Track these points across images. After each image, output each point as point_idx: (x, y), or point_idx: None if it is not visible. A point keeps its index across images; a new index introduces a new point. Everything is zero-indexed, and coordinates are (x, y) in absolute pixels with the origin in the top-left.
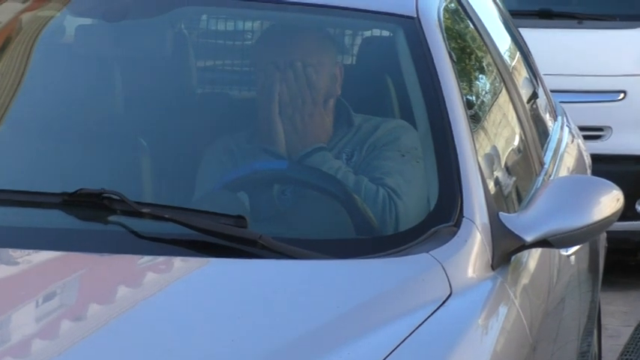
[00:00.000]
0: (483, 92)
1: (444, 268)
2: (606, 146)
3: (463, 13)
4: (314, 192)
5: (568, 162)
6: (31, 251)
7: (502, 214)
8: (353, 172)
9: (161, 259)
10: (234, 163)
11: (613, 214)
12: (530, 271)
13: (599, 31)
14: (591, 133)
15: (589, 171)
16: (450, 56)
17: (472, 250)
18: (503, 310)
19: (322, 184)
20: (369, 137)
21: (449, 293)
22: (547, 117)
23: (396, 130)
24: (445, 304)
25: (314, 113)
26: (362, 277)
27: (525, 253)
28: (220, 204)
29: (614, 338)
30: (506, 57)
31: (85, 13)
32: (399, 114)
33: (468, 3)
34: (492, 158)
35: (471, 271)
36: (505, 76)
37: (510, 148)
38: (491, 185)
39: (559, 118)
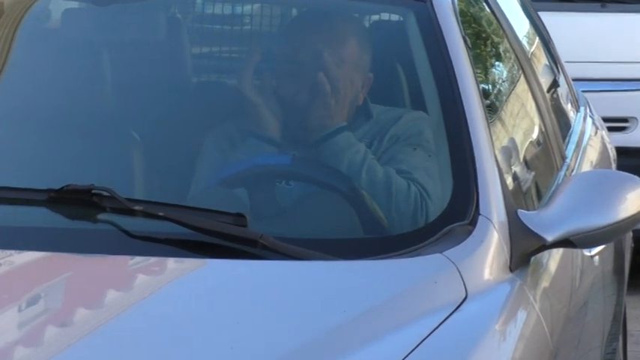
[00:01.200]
0: (500, 81)
1: (458, 270)
2: (632, 138)
3: None
4: (319, 188)
5: (591, 155)
6: (14, 252)
7: (521, 212)
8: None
9: (154, 260)
10: (235, 155)
11: None
12: (551, 273)
13: (624, 15)
14: (616, 124)
15: (614, 165)
16: (465, 42)
17: (489, 250)
18: (522, 314)
19: (328, 179)
20: (389, 128)
21: (464, 296)
22: (569, 107)
23: (418, 122)
24: (460, 308)
25: (333, 100)
26: (370, 280)
27: (546, 253)
28: (218, 201)
29: None
30: (524, 43)
31: None
32: (409, 104)
33: None
34: (510, 152)
35: (488, 273)
36: (524, 64)
37: (529, 141)
38: (509, 180)
39: (581, 108)
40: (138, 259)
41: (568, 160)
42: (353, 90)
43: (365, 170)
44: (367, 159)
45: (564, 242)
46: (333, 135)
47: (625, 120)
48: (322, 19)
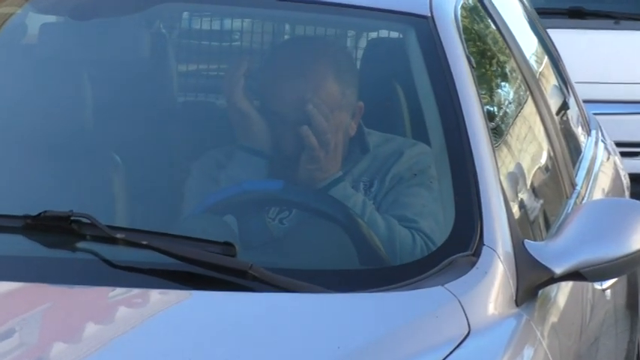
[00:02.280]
0: (506, 102)
1: (461, 304)
2: None
3: (483, 11)
4: (313, 216)
5: (603, 182)
6: None
7: (528, 242)
8: (377, 207)
9: (137, 291)
10: (224, 174)
11: None
12: (560, 308)
13: (637, 33)
14: (630, 149)
15: (627, 193)
16: (469, 61)
17: (493, 282)
18: (528, 352)
19: (322, 206)
20: (390, 166)
21: (467, 332)
22: (579, 131)
23: (421, 159)
24: (462, 344)
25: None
26: (367, 314)
27: (554, 286)
28: (205, 229)
29: None
30: (532, 62)
31: (49, 9)
32: (409, 129)
33: (489, 0)
34: (517, 178)
35: (492, 307)
36: (531, 84)
37: (537, 167)
38: (515, 209)
39: (593, 132)
40: (119, 290)
41: (578, 188)
42: (343, 130)
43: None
44: (367, 210)
45: (574, 275)
46: (327, 189)
47: (639, 145)
48: (296, 59)
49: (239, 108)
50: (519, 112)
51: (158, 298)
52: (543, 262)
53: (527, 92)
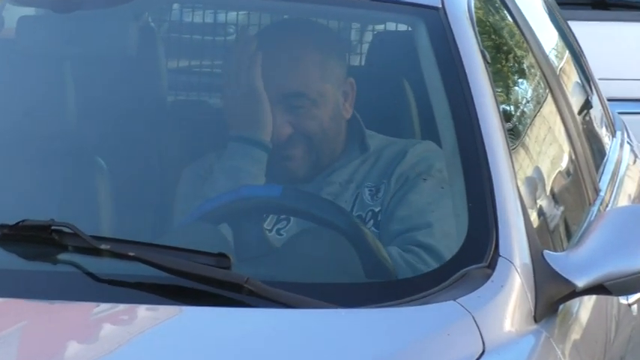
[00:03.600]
0: (524, 101)
1: (475, 320)
2: None
3: (499, 2)
4: (314, 225)
5: (629, 188)
6: None
7: (547, 253)
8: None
9: (123, 307)
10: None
11: None
12: (583, 324)
13: None
14: None
15: None
16: (483, 56)
17: (510, 297)
18: None
19: (324, 214)
20: (395, 167)
21: (481, 351)
22: (603, 132)
23: (426, 156)
24: None
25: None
26: (373, 331)
27: (576, 301)
28: (197, 239)
29: None
30: (552, 57)
31: (29, 1)
32: (419, 129)
33: None
34: (535, 183)
35: (509, 324)
36: (551, 81)
37: (557, 171)
38: (533, 217)
39: (618, 133)
40: (104, 306)
41: (602, 194)
42: (333, 109)
43: None
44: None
45: (597, 288)
46: (325, 177)
47: None
48: (273, 41)
49: (255, 87)
50: (538, 111)
51: (146, 314)
52: (564, 275)
53: (547, 90)
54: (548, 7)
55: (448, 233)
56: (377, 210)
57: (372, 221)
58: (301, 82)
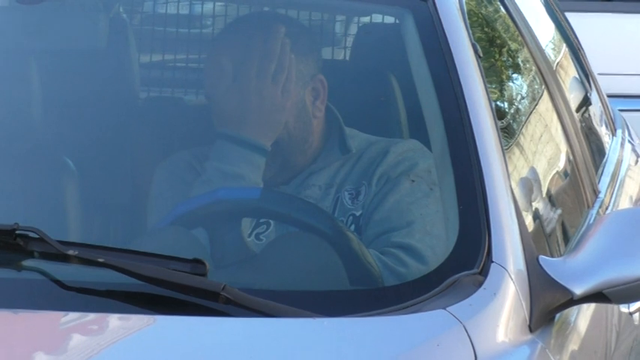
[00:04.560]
0: (519, 98)
1: (466, 330)
2: None
3: None
4: (295, 229)
5: (630, 189)
6: None
7: (543, 259)
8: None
9: (92, 316)
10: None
11: None
12: (581, 334)
13: None
14: None
15: None
16: (475, 49)
17: (503, 305)
18: None
19: (307, 218)
20: (377, 166)
21: None
22: (603, 130)
23: (410, 156)
24: None
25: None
26: (358, 342)
27: (574, 309)
28: (171, 244)
29: None
30: (548, 51)
31: None
32: (406, 127)
33: None
34: (530, 185)
35: (502, 334)
36: (547, 77)
37: (554, 172)
38: (528, 220)
39: (619, 131)
40: (72, 315)
41: (601, 196)
42: (298, 107)
43: None
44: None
45: (596, 296)
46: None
47: None
48: (229, 32)
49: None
50: (534, 108)
51: (117, 324)
52: (561, 282)
53: (543, 86)
54: None
55: (434, 234)
56: (358, 214)
57: (353, 226)
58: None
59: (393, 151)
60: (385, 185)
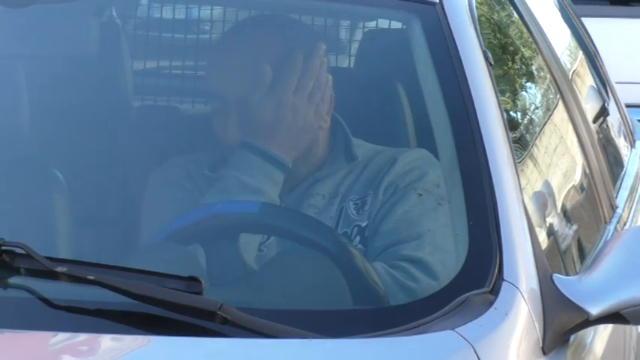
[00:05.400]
0: (532, 107)
1: (475, 352)
2: None
3: None
4: (296, 245)
5: None
6: None
7: (557, 277)
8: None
9: (83, 337)
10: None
11: None
12: (597, 357)
13: None
14: None
15: None
16: (486, 57)
17: (515, 326)
18: None
19: (309, 234)
20: (384, 175)
21: None
22: (621, 142)
23: (419, 165)
24: None
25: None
26: None
27: (590, 330)
28: (165, 261)
29: None
30: (564, 58)
31: None
32: (413, 137)
33: None
34: (544, 199)
35: (514, 356)
36: (562, 86)
37: (570, 186)
38: (542, 236)
39: (638, 143)
40: (62, 336)
41: (619, 211)
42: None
43: None
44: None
45: (614, 317)
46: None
47: None
48: (246, 35)
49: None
50: (548, 119)
51: (109, 345)
52: (576, 301)
53: (558, 95)
54: (559, 3)
55: (444, 249)
56: (363, 225)
57: (358, 237)
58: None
59: (401, 160)
60: (393, 195)
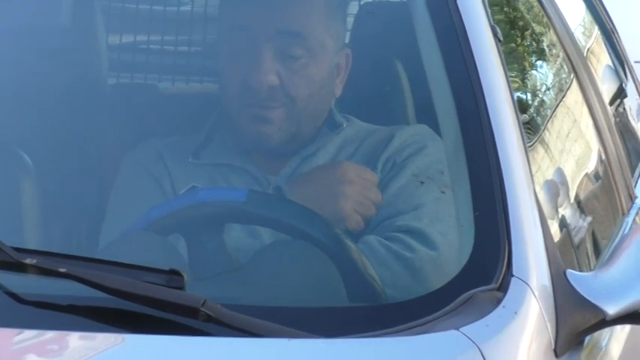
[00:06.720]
0: (544, 88)
1: (482, 353)
2: None
3: None
4: (287, 237)
5: None
6: None
7: (571, 273)
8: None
9: (52, 334)
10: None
11: None
12: (614, 359)
13: None
14: None
15: None
16: (494, 32)
17: (525, 326)
18: None
19: (301, 225)
20: (381, 152)
21: None
22: None
23: (417, 139)
24: None
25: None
26: None
27: (606, 331)
28: (143, 253)
29: None
30: (578, 35)
31: None
32: (414, 119)
33: None
34: (557, 188)
35: (524, 358)
36: (577, 65)
37: (584, 174)
38: (554, 229)
39: None
40: (29, 333)
41: (638, 201)
42: (324, 95)
43: None
44: None
45: (632, 316)
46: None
47: None
48: None
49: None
50: (561, 101)
51: (80, 343)
52: (591, 300)
53: (572, 75)
54: None
55: (450, 248)
56: None
57: None
58: (302, 20)
59: (399, 136)
60: (391, 171)
